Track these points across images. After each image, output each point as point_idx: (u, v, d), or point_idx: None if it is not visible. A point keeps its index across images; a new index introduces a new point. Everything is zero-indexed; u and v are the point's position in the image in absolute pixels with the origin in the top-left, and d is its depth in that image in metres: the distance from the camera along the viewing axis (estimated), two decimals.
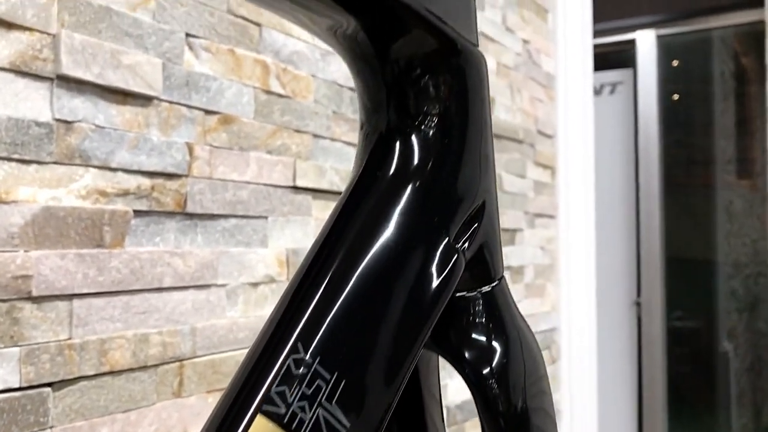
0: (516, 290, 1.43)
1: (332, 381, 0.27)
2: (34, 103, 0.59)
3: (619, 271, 2.75)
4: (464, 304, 0.35)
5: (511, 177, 1.42)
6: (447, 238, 0.33)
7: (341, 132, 0.92)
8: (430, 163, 0.33)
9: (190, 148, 0.71)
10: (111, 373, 0.64)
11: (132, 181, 0.66)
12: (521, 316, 0.37)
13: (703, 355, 2.72)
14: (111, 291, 0.64)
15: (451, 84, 0.34)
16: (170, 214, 0.70)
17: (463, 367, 0.34)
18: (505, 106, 1.40)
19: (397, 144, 0.33)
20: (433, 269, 0.32)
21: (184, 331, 0.70)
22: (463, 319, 0.35)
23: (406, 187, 0.32)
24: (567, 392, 1.63)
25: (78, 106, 0.62)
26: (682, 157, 2.76)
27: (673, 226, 2.71)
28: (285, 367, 0.27)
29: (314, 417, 0.27)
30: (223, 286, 0.75)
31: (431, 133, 0.33)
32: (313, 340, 0.27)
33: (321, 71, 0.90)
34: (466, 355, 0.34)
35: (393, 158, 0.33)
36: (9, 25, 0.57)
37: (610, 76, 2.78)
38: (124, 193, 0.65)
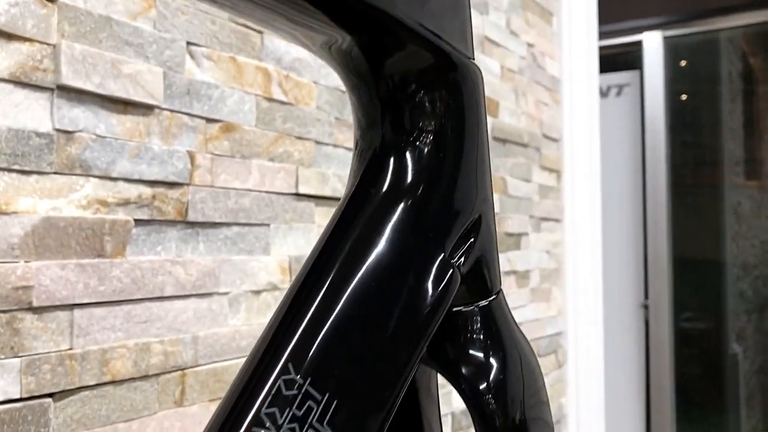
0: (522, 295, 1.43)
1: (323, 402, 0.27)
2: (35, 113, 0.59)
3: (627, 274, 2.74)
4: (461, 319, 0.34)
5: (516, 181, 1.41)
6: (442, 254, 0.32)
7: (344, 138, 0.92)
8: (426, 179, 0.32)
9: (192, 157, 0.71)
10: (112, 382, 0.64)
11: (133, 191, 0.66)
12: (519, 329, 0.37)
13: (711, 358, 2.70)
14: (112, 300, 0.64)
15: (446, 99, 0.33)
16: (171, 223, 0.70)
17: (460, 383, 0.34)
18: (510, 110, 1.40)
19: (392, 160, 0.33)
20: (428, 285, 0.31)
21: (185, 340, 0.70)
22: (459, 335, 0.34)
23: (399, 204, 0.32)
24: (574, 396, 1.62)
25: (78, 116, 0.62)
26: (689, 158, 2.75)
27: (680, 228, 2.69)
28: (275, 389, 0.27)
29: None
30: (225, 294, 0.75)
31: (426, 149, 0.33)
32: (305, 361, 0.27)
33: (323, 78, 0.89)
34: (463, 370, 0.34)
35: (387, 174, 0.32)
36: (9, 36, 0.57)
37: (617, 77, 2.77)
38: (125, 203, 0.65)
